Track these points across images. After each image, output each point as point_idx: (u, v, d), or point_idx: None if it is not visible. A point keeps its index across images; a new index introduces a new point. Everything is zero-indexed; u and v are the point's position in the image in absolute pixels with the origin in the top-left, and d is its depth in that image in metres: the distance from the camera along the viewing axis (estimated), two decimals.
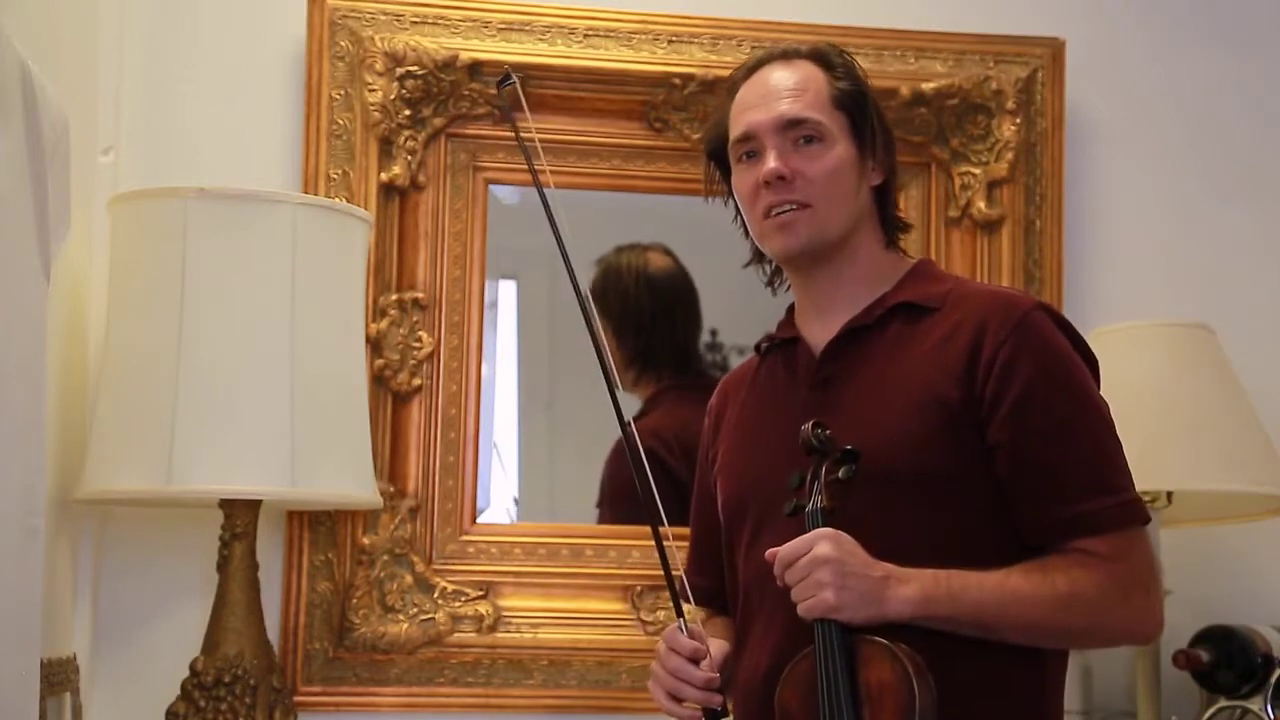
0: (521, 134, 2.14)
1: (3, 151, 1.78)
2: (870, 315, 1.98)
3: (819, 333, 2.02)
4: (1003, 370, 1.87)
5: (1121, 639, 1.97)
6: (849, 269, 2.00)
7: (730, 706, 1.91)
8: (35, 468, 1.89)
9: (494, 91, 2.76)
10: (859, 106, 1.99)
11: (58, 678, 2.35)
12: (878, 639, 1.77)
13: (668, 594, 2.71)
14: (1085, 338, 1.98)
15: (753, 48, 2.84)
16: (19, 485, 1.82)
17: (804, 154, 1.96)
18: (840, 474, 1.83)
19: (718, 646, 1.94)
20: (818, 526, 1.82)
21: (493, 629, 2.70)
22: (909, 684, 1.74)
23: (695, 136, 2.82)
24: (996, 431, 1.87)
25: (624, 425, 1.98)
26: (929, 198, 2.87)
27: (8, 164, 1.80)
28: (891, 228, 2.04)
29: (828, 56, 2.02)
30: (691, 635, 1.90)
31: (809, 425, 1.86)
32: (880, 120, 2.03)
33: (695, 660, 1.89)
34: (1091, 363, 1.95)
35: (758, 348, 2.14)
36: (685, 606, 1.94)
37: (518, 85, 2.20)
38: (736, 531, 2.02)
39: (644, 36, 2.83)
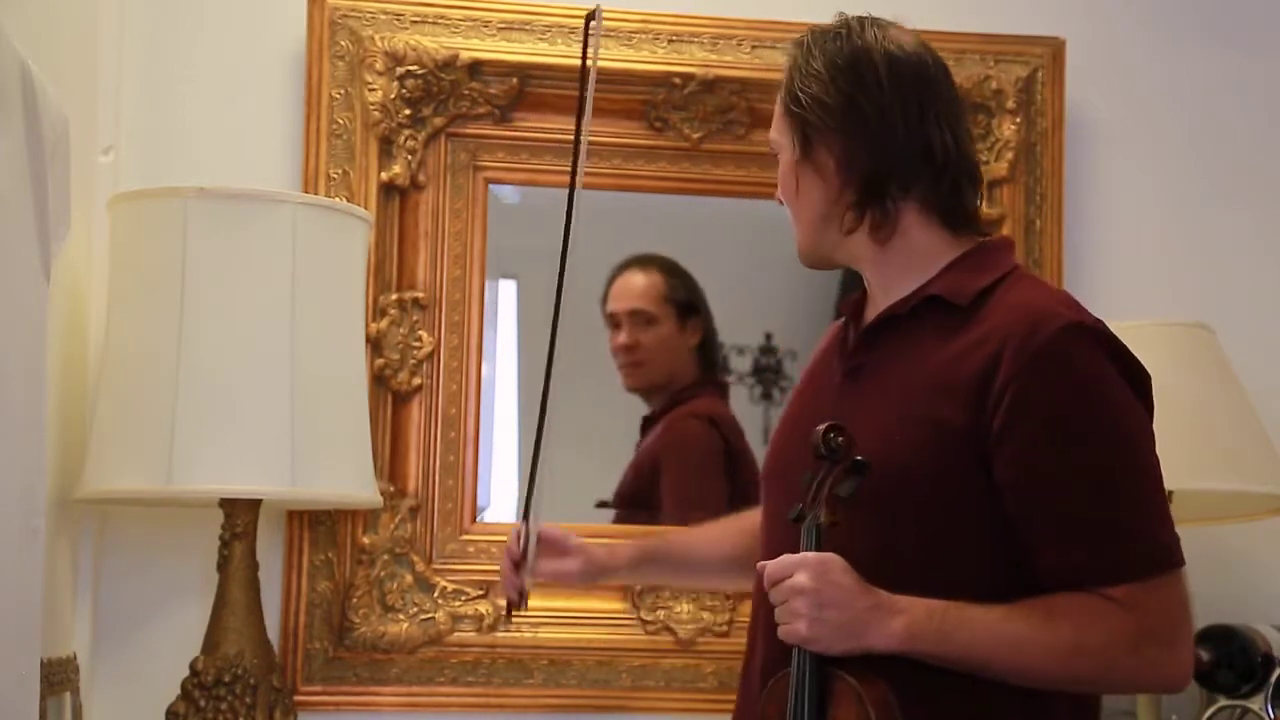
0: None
1: (3, 151, 1.78)
2: (905, 305, 1.91)
3: (869, 316, 1.96)
4: (1013, 404, 1.77)
5: (1134, 690, 1.91)
6: (893, 254, 1.92)
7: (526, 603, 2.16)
8: (35, 468, 1.88)
9: (493, 91, 2.76)
10: (808, 116, 1.92)
11: (58, 678, 2.35)
12: (848, 679, 1.74)
13: (667, 593, 2.74)
14: None
15: (753, 47, 2.85)
16: (19, 485, 1.82)
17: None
18: (843, 490, 1.79)
19: (601, 551, 2.21)
20: (812, 543, 1.79)
21: (493, 628, 2.70)
22: None
23: (695, 136, 2.83)
24: (1002, 470, 1.78)
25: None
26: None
27: (8, 164, 1.79)
28: (947, 209, 1.91)
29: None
30: (521, 540, 2.17)
31: (822, 429, 1.80)
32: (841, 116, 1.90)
33: (515, 563, 2.17)
34: (1138, 383, 1.83)
35: (839, 312, 2.07)
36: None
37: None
38: (763, 505, 2.01)
39: (644, 36, 2.83)
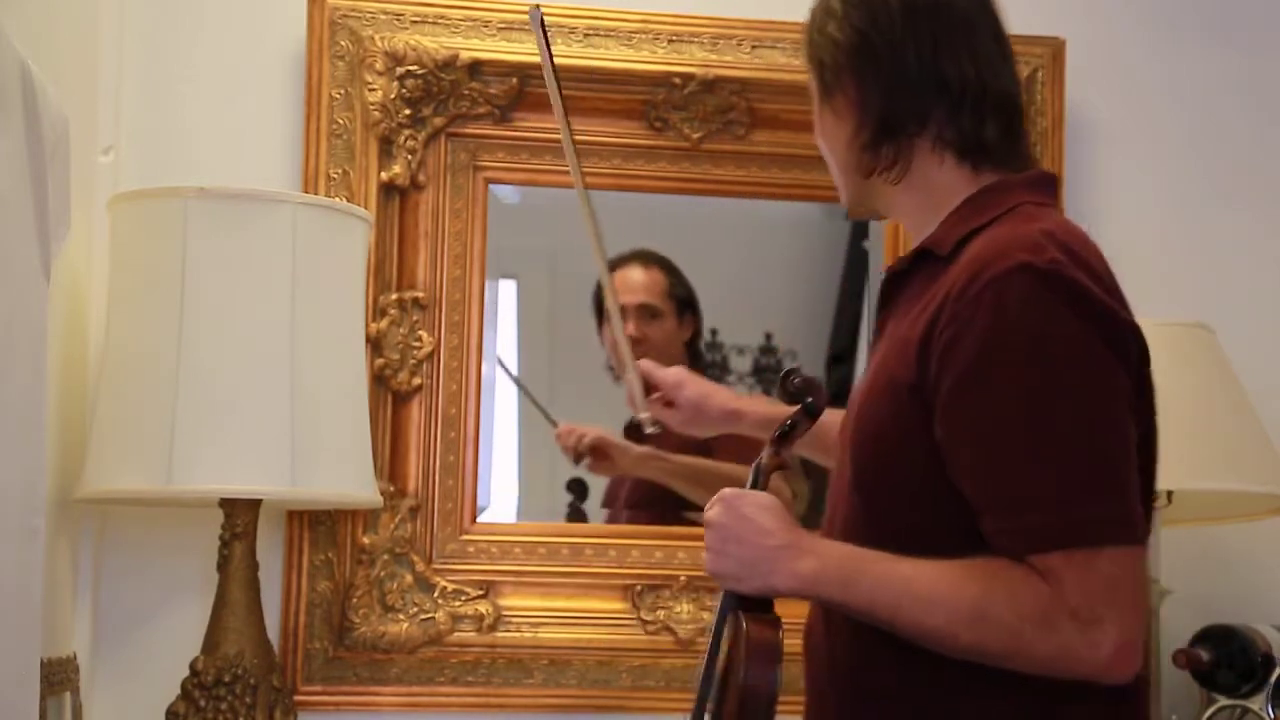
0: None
1: (3, 151, 1.78)
2: (905, 260, 1.83)
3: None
4: (944, 351, 1.64)
5: (1050, 671, 1.61)
6: (914, 197, 1.84)
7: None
8: (35, 467, 1.89)
9: (493, 91, 2.76)
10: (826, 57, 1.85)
11: (58, 678, 2.35)
12: (740, 616, 1.70)
13: (667, 593, 2.74)
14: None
15: (753, 47, 2.84)
16: (19, 485, 1.82)
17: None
18: (781, 430, 1.78)
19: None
20: (751, 482, 1.78)
21: (493, 628, 2.70)
22: (740, 668, 1.66)
23: (695, 136, 2.83)
24: (938, 426, 1.66)
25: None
26: None
27: (8, 164, 1.80)
28: (966, 144, 1.80)
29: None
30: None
31: (782, 373, 1.81)
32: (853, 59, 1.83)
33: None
34: (1109, 332, 1.64)
35: None
36: None
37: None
38: None
39: (644, 36, 2.83)
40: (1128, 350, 1.67)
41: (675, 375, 2.28)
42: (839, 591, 1.67)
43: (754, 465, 1.80)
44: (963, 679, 1.65)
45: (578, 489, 2.87)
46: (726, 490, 1.76)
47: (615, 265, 2.85)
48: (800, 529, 1.73)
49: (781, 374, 1.80)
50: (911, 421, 1.68)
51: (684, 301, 2.91)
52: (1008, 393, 1.61)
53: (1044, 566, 1.59)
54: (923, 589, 1.63)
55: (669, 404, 2.27)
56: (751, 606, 1.71)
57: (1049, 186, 1.86)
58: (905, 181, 1.83)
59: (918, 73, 1.79)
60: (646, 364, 2.28)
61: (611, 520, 2.87)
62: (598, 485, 2.89)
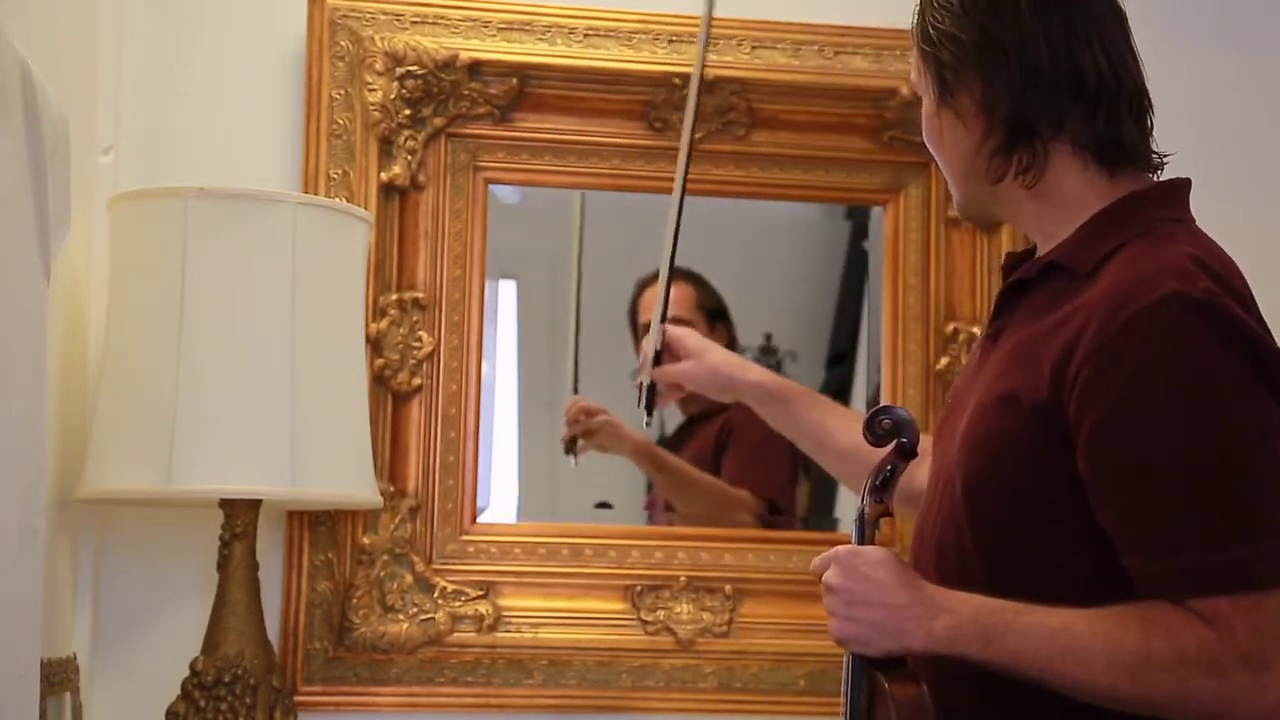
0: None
1: (3, 151, 1.78)
2: (1031, 269, 1.73)
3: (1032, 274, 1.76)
4: (1086, 387, 1.57)
5: (1219, 717, 1.54)
6: (1045, 203, 1.73)
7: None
8: (35, 468, 1.89)
9: (493, 91, 2.76)
10: (936, 52, 1.74)
11: (58, 678, 2.35)
12: (881, 680, 1.64)
13: (667, 593, 2.74)
14: None
15: (753, 47, 2.84)
16: (19, 485, 1.82)
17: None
18: (880, 478, 1.69)
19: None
20: (858, 536, 1.69)
21: (493, 629, 2.70)
22: None
23: (695, 136, 2.82)
24: (1080, 460, 1.58)
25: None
26: (929, 197, 2.87)
27: (8, 164, 1.80)
28: (1103, 146, 1.70)
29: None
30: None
31: (870, 413, 1.69)
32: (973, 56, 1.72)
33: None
34: (1262, 362, 1.57)
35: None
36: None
37: None
38: None
39: (644, 36, 2.82)
40: (1277, 380, 1.59)
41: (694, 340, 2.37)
42: (980, 649, 1.59)
43: (856, 517, 1.70)
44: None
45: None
46: (840, 550, 1.67)
47: (645, 283, 2.87)
48: (924, 583, 1.65)
49: (869, 415, 1.69)
50: (1031, 436, 1.62)
51: (714, 312, 2.91)
52: (1163, 429, 1.55)
53: (1210, 611, 1.52)
54: (1078, 642, 1.55)
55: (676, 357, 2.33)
56: (886, 666, 1.66)
57: (1183, 196, 1.77)
58: (1038, 187, 1.72)
59: (1050, 69, 1.68)
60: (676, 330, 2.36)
61: (652, 520, 2.88)
62: (621, 500, 2.90)
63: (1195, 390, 1.54)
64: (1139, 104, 1.74)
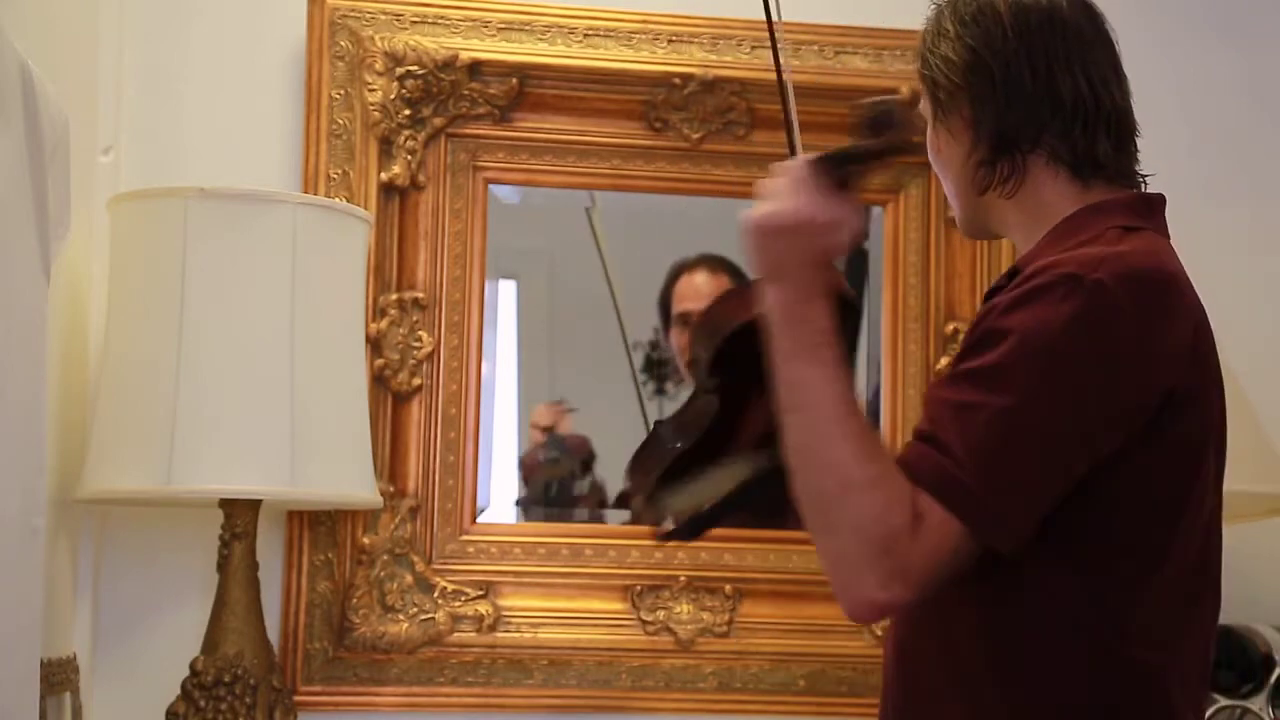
0: None
1: (3, 151, 1.78)
2: (1002, 278, 1.80)
3: None
4: (969, 329, 1.70)
5: (831, 564, 1.61)
6: (1024, 214, 1.81)
7: None
8: (35, 468, 1.89)
9: (493, 91, 2.76)
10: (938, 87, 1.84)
11: (58, 678, 2.35)
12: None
13: (667, 593, 2.74)
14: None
15: (753, 47, 2.84)
16: (19, 485, 1.82)
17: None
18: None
19: None
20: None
21: (493, 629, 2.70)
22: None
23: (695, 136, 2.83)
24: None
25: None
26: (929, 198, 2.87)
27: (8, 164, 1.80)
28: (1078, 160, 1.78)
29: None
30: None
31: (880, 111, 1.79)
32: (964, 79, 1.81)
33: None
34: (1125, 361, 1.62)
35: None
36: None
37: None
38: None
39: (644, 36, 2.83)
40: (1148, 382, 1.63)
41: None
42: (776, 339, 1.66)
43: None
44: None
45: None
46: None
47: (680, 271, 2.87)
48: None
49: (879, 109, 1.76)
50: None
51: None
52: (1001, 368, 1.61)
53: (923, 508, 1.57)
54: (824, 428, 1.61)
55: None
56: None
57: (1149, 209, 1.83)
58: (1018, 197, 1.81)
59: (1032, 90, 1.78)
60: None
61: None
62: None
63: (1040, 352, 1.60)
64: (1119, 123, 1.82)
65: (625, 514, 2.85)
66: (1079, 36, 1.83)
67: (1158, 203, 1.86)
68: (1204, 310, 1.74)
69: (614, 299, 2.81)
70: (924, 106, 1.89)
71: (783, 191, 1.73)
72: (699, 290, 2.87)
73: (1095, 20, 1.87)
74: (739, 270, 2.87)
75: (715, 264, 2.89)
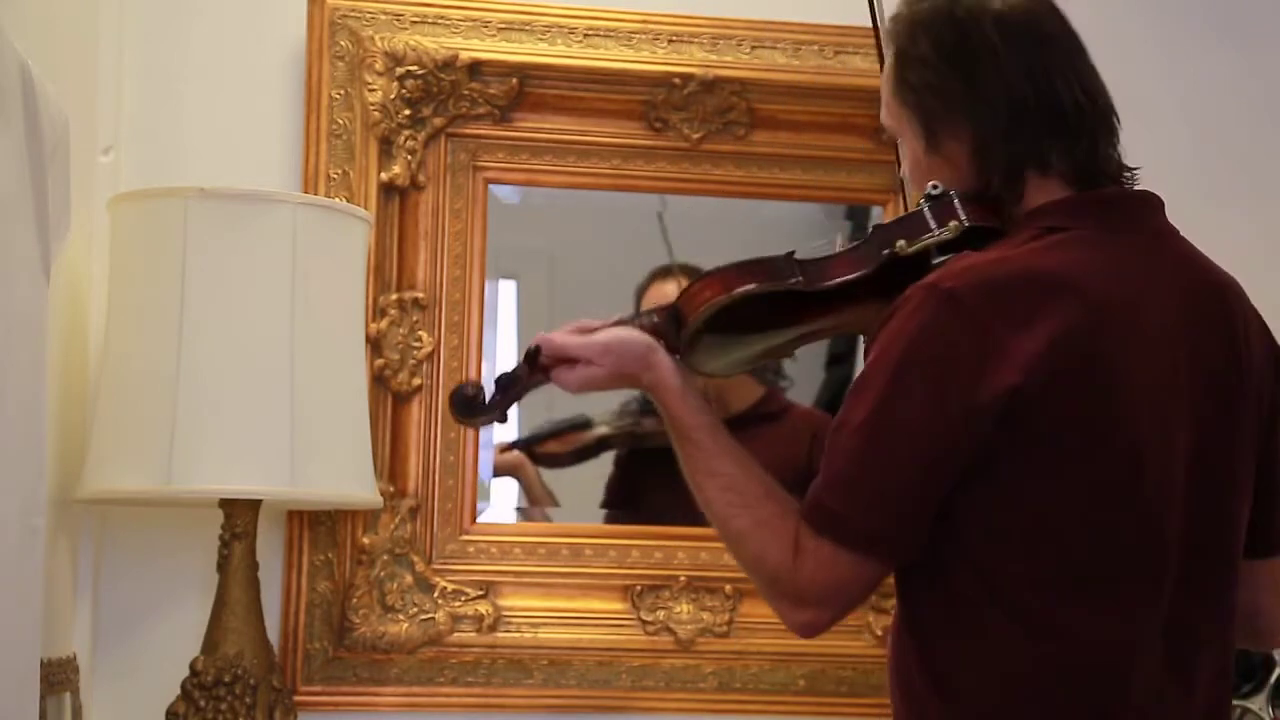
0: None
1: (3, 151, 1.78)
2: None
3: None
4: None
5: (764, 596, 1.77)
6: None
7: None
8: (35, 468, 1.88)
9: (493, 91, 2.76)
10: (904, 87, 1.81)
11: (58, 678, 2.35)
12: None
13: (667, 593, 2.74)
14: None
15: (753, 47, 2.84)
16: (19, 485, 1.82)
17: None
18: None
19: None
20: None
21: (493, 629, 2.70)
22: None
23: (695, 136, 2.83)
24: None
25: None
26: None
27: (8, 164, 1.79)
28: (1085, 172, 1.77)
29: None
30: None
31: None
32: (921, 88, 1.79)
33: None
34: (945, 373, 1.64)
35: None
36: None
37: None
38: None
39: (644, 36, 2.83)
40: (992, 382, 1.63)
41: None
42: (669, 421, 1.80)
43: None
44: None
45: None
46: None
47: (651, 280, 2.86)
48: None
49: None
50: None
51: None
52: (856, 391, 1.69)
53: (803, 542, 1.67)
54: (711, 491, 1.76)
55: None
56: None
57: (1086, 209, 1.77)
58: (1015, 211, 1.77)
59: (1036, 108, 1.74)
60: None
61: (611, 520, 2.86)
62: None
63: (890, 363, 1.65)
64: (1110, 124, 1.82)
65: (625, 513, 2.85)
66: (1064, 40, 1.79)
67: (1092, 202, 1.80)
68: (1103, 312, 1.69)
69: None
70: (897, 125, 1.83)
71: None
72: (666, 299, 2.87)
73: (1061, 15, 1.82)
74: (695, 270, 2.87)
75: (672, 272, 2.88)
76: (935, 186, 1.76)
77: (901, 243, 1.75)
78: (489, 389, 1.85)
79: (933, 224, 1.75)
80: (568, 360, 1.83)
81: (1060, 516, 1.66)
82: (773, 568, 1.70)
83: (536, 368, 1.84)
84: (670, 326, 1.85)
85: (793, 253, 1.83)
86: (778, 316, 1.85)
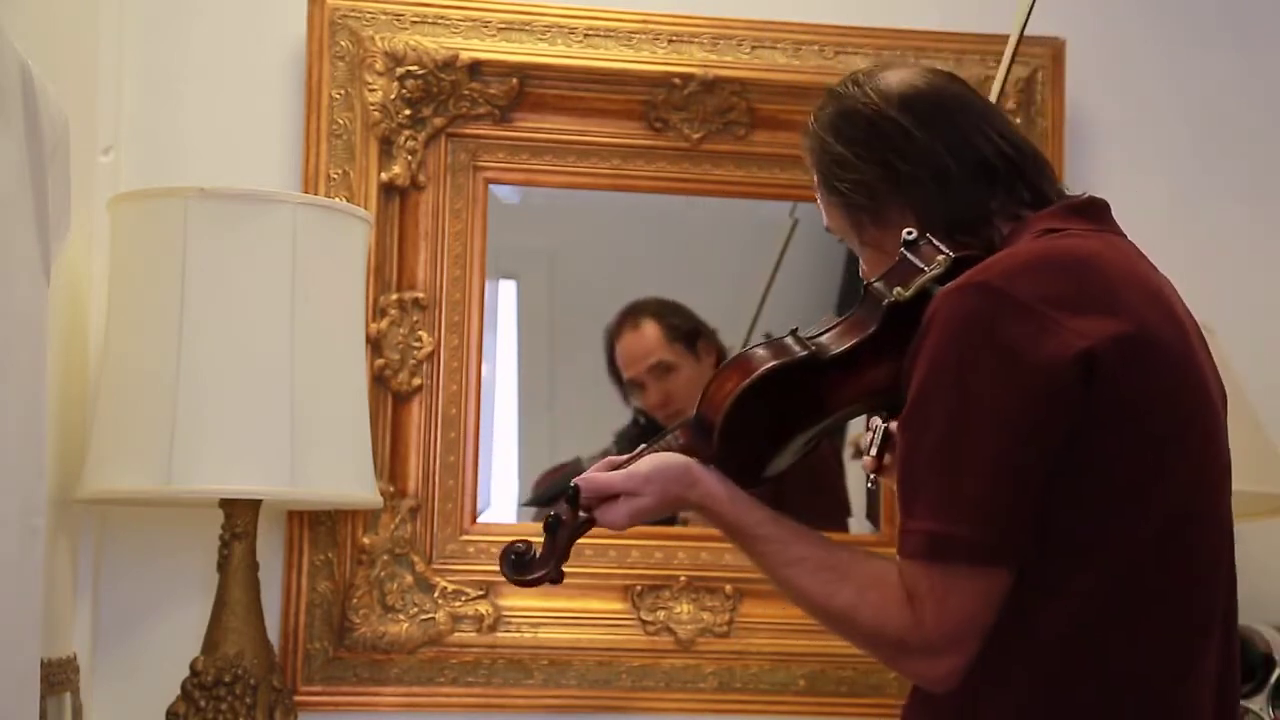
0: None
1: (3, 151, 1.78)
2: None
3: None
4: (906, 374, 1.69)
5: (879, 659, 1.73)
6: None
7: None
8: (35, 468, 1.88)
9: (493, 91, 2.76)
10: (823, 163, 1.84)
11: (58, 678, 2.35)
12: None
13: (667, 593, 2.74)
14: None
15: (753, 47, 2.84)
16: (19, 485, 1.82)
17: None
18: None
19: None
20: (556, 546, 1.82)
21: (493, 629, 2.70)
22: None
23: (695, 136, 2.83)
24: None
25: None
26: None
27: (8, 164, 1.79)
28: (1031, 205, 1.77)
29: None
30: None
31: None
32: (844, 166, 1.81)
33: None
34: (1021, 350, 1.59)
35: None
36: None
37: None
38: None
39: (644, 36, 2.83)
40: (1055, 375, 1.59)
41: None
42: (730, 535, 1.76)
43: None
44: None
45: None
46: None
47: (621, 325, 2.86)
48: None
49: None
50: None
51: (690, 334, 2.89)
52: (913, 408, 1.64)
53: (911, 586, 1.61)
54: (800, 581, 1.71)
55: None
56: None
57: (1075, 214, 1.79)
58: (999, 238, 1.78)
59: (960, 171, 1.75)
60: None
61: None
62: None
63: (937, 375, 1.61)
64: (1040, 161, 1.82)
65: None
66: (968, 103, 1.81)
67: (1073, 207, 1.81)
68: (1137, 291, 1.71)
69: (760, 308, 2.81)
70: (838, 224, 1.84)
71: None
72: (638, 350, 2.87)
73: (963, 81, 1.86)
74: (658, 308, 2.87)
75: (635, 316, 2.88)
76: (910, 232, 1.76)
77: (899, 289, 1.73)
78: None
79: (921, 264, 1.74)
80: (610, 497, 1.78)
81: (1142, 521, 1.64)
82: (896, 630, 1.62)
83: (579, 508, 1.78)
84: (698, 439, 1.79)
85: (795, 329, 1.80)
86: (803, 400, 1.79)
